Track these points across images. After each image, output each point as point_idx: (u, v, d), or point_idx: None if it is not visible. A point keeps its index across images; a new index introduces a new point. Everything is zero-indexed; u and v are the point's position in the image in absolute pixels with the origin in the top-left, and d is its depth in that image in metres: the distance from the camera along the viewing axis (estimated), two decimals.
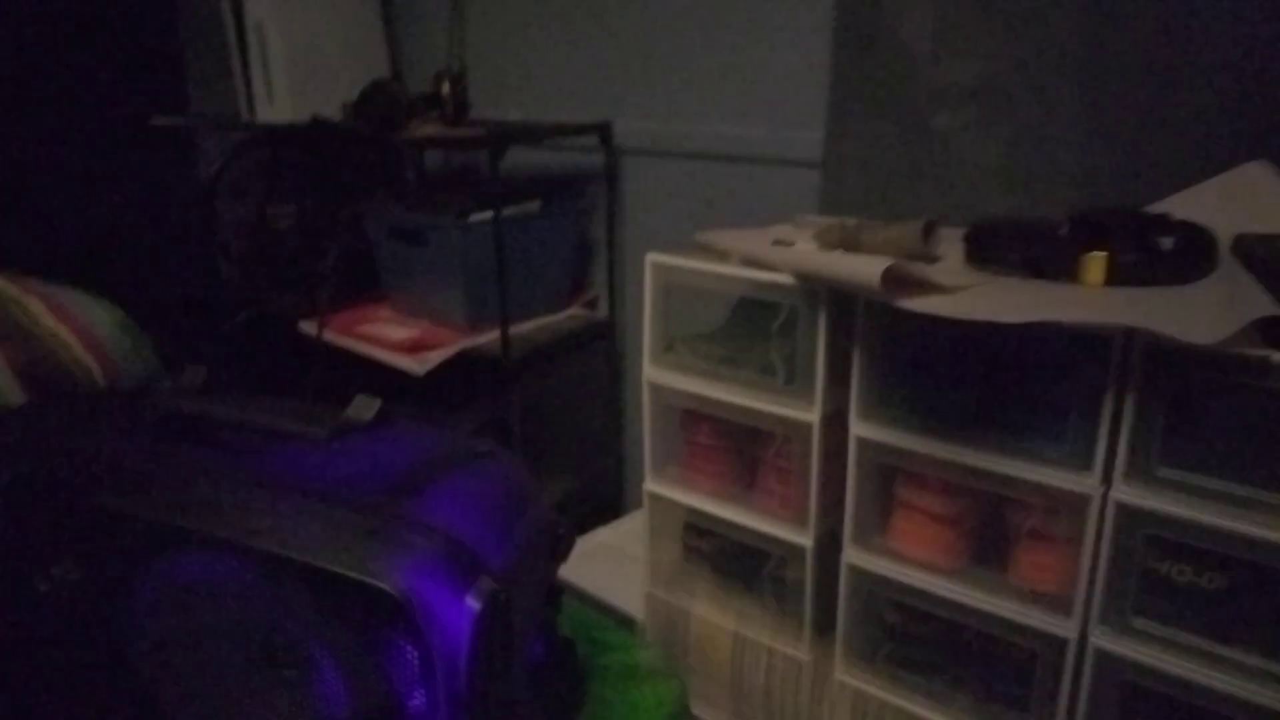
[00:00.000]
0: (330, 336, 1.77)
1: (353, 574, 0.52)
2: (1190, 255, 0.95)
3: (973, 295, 0.92)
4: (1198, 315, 0.81)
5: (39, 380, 1.05)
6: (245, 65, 1.80)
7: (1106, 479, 0.89)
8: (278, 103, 1.78)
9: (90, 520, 0.58)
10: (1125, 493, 0.88)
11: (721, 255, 1.17)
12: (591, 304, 1.94)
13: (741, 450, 1.23)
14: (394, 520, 0.55)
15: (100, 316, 1.16)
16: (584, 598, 1.38)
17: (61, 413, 0.68)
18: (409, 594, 0.51)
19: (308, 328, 1.81)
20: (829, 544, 1.13)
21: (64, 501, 0.59)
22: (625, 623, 1.35)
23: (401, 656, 0.53)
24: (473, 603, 0.53)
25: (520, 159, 1.95)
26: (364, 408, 0.66)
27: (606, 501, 1.96)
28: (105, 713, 0.61)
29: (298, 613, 0.55)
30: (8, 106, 2.16)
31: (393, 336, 1.74)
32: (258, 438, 0.64)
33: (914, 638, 1.08)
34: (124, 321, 1.19)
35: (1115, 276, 0.94)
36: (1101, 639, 0.92)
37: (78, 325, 1.12)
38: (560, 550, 0.67)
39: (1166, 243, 0.98)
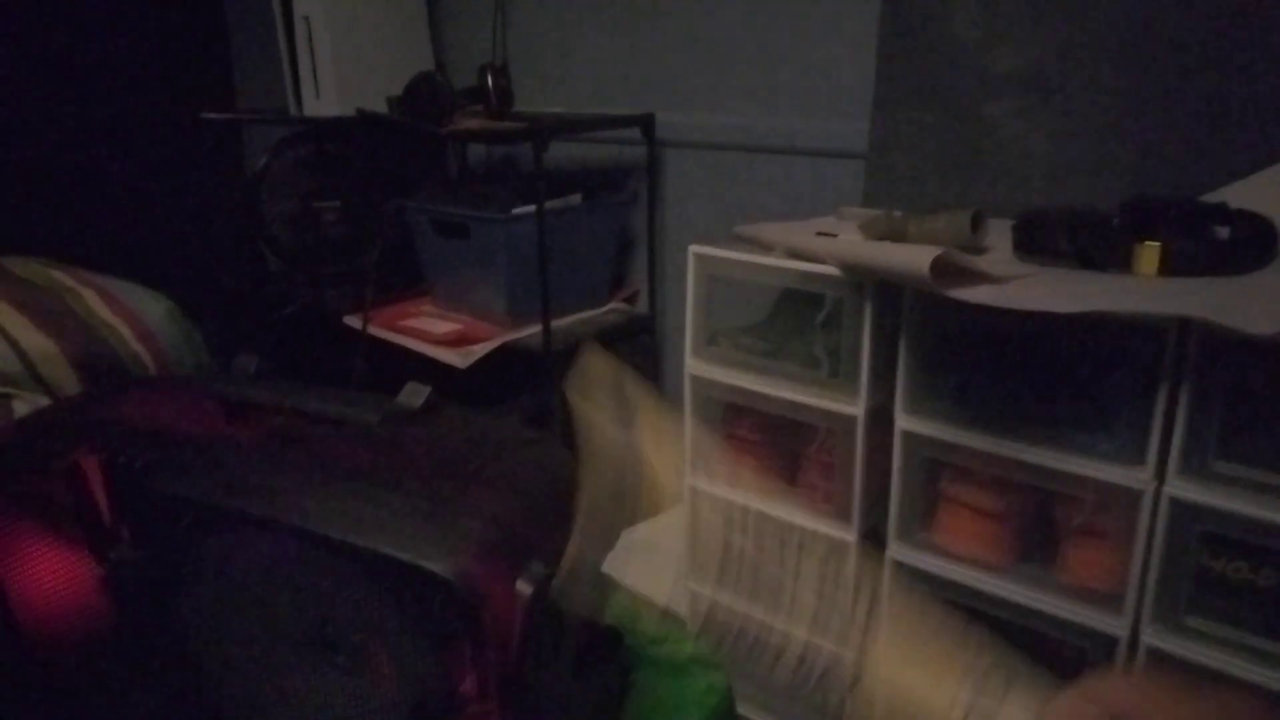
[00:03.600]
0: (375, 330, 1.79)
1: (405, 557, 0.52)
2: (1248, 245, 0.93)
3: (1023, 285, 0.91)
4: (1256, 305, 0.79)
5: (94, 370, 1.07)
6: (293, 60, 1.83)
7: (1160, 474, 0.87)
8: (324, 97, 1.80)
9: (148, 503, 0.59)
10: (1179, 488, 0.86)
11: (764, 247, 1.16)
12: (632, 299, 1.94)
13: (784, 444, 1.22)
14: (446, 504, 0.55)
15: (152, 307, 1.19)
16: (624, 593, 1.38)
17: (118, 398, 0.69)
18: (461, 577, 0.52)
19: (353, 322, 1.83)
20: (872, 539, 1.12)
21: (122, 485, 0.60)
22: (667, 617, 1.35)
23: (453, 640, 0.54)
24: (524, 587, 0.54)
25: (562, 152, 1.96)
26: (414, 394, 0.66)
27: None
28: (159, 693, 0.63)
29: (350, 595, 0.55)
30: (60, 103, 2.21)
31: (436, 330, 1.75)
32: (310, 423, 0.65)
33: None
34: (175, 312, 1.22)
35: (1169, 266, 0.92)
36: (1154, 637, 0.90)
37: (131, 316, 1.15)
38: (608, 538, 0.67)
39: (1222, 232, 0.96)
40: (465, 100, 1.74)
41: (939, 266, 0.89)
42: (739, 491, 1.23)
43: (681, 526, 1.33)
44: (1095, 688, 0.38)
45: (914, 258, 0.90)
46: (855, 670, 0.44)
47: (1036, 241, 1.02)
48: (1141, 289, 0.89)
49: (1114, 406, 0.91)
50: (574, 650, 0.62)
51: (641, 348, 1.90)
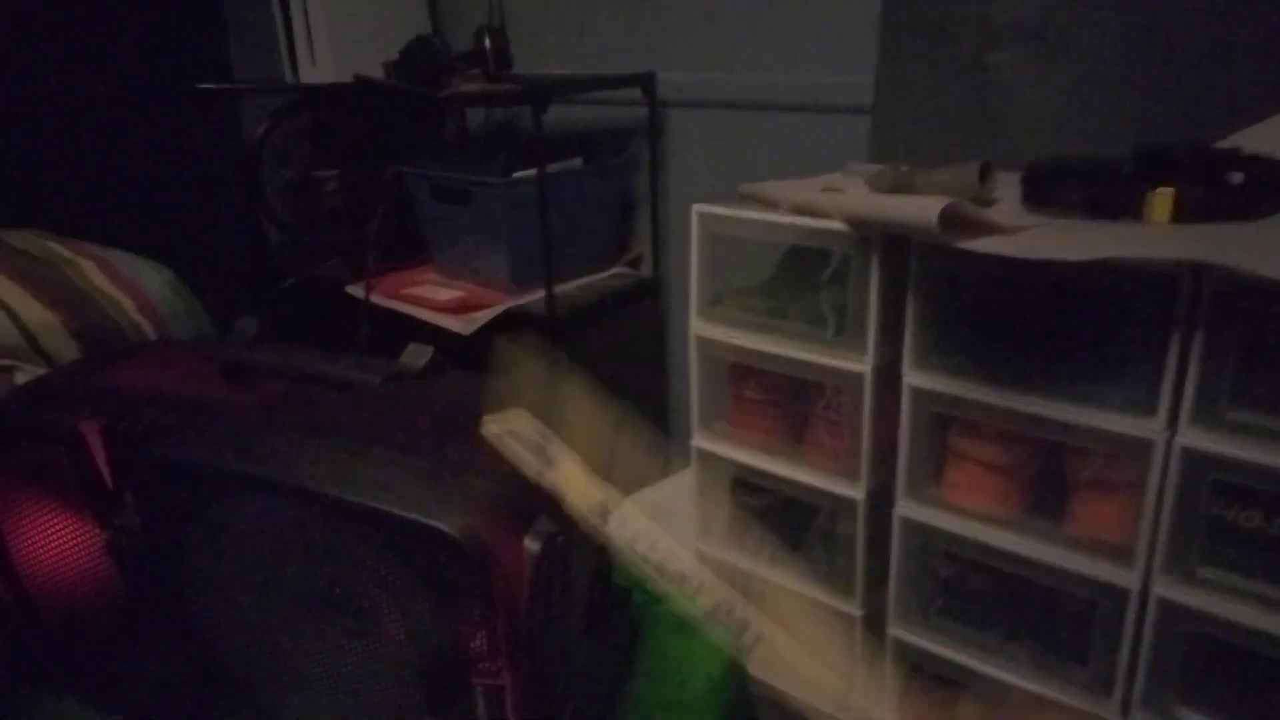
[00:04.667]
0: (377, 299, 1.78)
1: (412, 516, 0.52)
2: (1261, 190, 0.91)
3: (1033, 235, 0.89)
4: (1271, 250, 0.78)
5: (94, 341, 1.07)
6: (288, 27, 1.80)
7: (1171, 423, 0.86)
8: (320, 63, 1.78)
9: (151, 468, 0.58)
10: (1191, 437, 0.85)
11: (769, 205, 1.15)
12: (635, 262, 1.93)
13: (790, 404, 1.21)
14: (451, 463, 0.54)
15: (152, 278, 1.18)
16: None
17: (118, 364, 0.68)
18: (468, 536, 0.51)
19: (355, 290, 1.82)
20: (880, 497, 1.11)
21: (123, 450, 0.59)
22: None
23: (461, 599, 0.53)
24: (531, 544, 0.53)
25: (562, 114, 1.93)
26: (417, 355, 0.65)
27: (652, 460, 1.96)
28: (166, 658, 0.62)
29: (356, 556, 0.55)
30: (56, 75, 2.19)
31: (438, 298, 1.74)
32: (312, 386, 0.64)
33: (969, 591, 1.07)
34: (174, 283, 1.21)
35: (1182, 213, 0.91)
36: (1165, 589, 0.89)
37: (130, 287, 1.14)
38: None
39: (1236, 177, 0.94)
40: (463, 63, 1.72)
41: (947, 217, 0.87)
42: (746, 452, 1.22)
43: (687, 489, 1.33)
44: None
45: (921, 209, 0.89)
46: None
47: (1046, 192, 1.01)
48: (1155, 236, 0.88)
49: (1125, 357, 0.90)
50: (583, 608, 0.61)
51: (646, 311, 1.88)
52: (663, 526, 1.42)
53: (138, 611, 0.61)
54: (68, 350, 1.02)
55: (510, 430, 0.56)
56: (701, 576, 0.47)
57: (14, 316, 0.98)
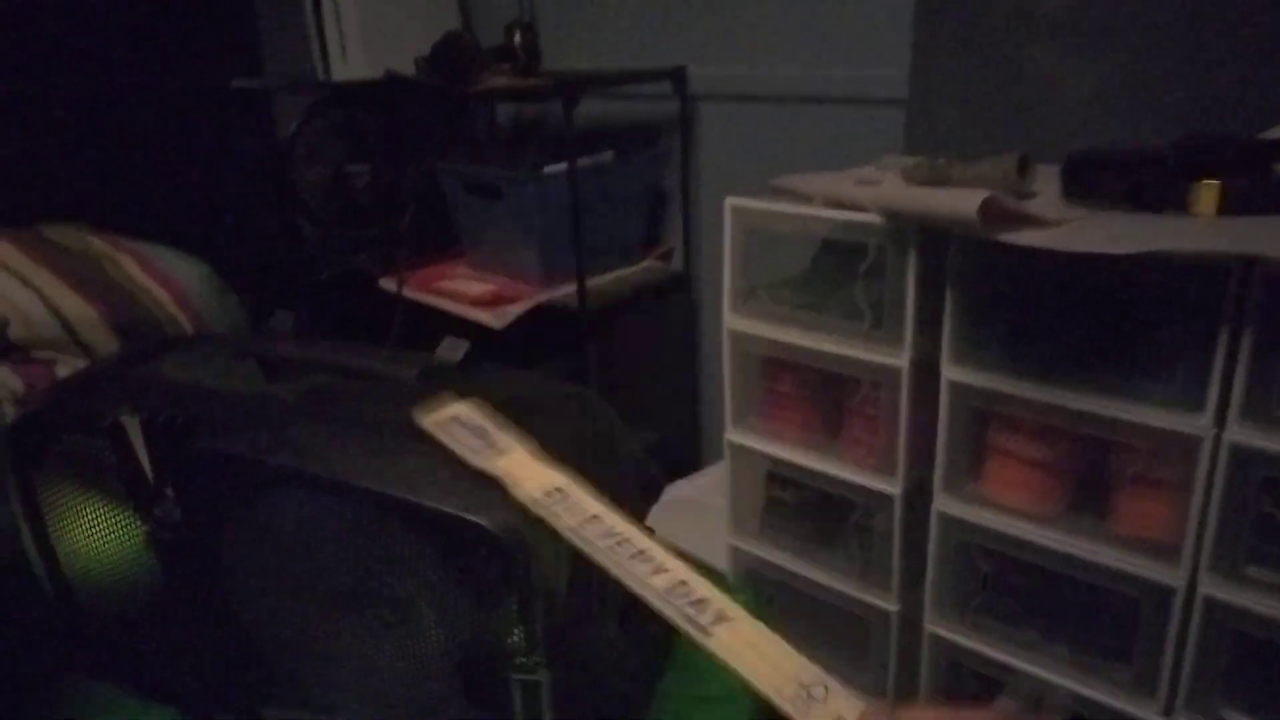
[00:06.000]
0: (409, 293, 1.78)
1: (449, 510, 0.51)
2: None
3: (1076, 228, 0.88)
4: None
5: (133, 334, 1.08)
6: (319, 23, 1.81)
7: (1220, 420, 0.85)
8: (351, 59, 1.79)
9: (191, 461, 0.59)
10: (1240, 434, 0.83)
11: (802, 198, 1.14)
12: (666, 256, 1.92)
13: (825, 398, 1.20)
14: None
15: (188, 272, 1.19)
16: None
17: (158, 357, 0.69)
18: (506, 530, 0.51)
19: (388, 285, 1.82)
20: (918, 493, 1.10)
21: (163, 443, 0.59)
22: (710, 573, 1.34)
23: (498, 594, 0.53)
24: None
25: (593, 109, 1.93)
26: (453, 349, 0.65)
27: (683, 455, 1.96)
28: (205, 649, 0.63)
29: (394, 549, 0.55)
30: (90, 73, 2.22)
31: (471, 291, 1.75)
32: (349, 380, 0.64)
33: (1008, 587, 1.05)
34: (211, 277, 1.22)
35: (1228, 206, 0.89)
36: (1211, 587, 0.88)
37: (167, 281, 1.15)
38: (650, 491, 0.66)
39: None
40: (493, 58, 1.72)
41: (988, 209, 0.86)
42: (780, 446, 1.21)
43: (722, 482, 1.32)
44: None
45: (961, 201, 0.87)
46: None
47: (1086, 184, 0.99)
48: (1201, 229, 0.86)
49: (1171, 352, 0.88)
50: (619, 602, 0.61)
51: (677, 305, 1.88)
52: (695, 520, 1.41)
53: (177, 602, 0.62)
54: (107, 343, 1.03)
55: (453, 417, 0.54)
56: (660, 556, 0.45)
57: (55, 309, 0.99)
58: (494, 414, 0.55)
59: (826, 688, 0.39)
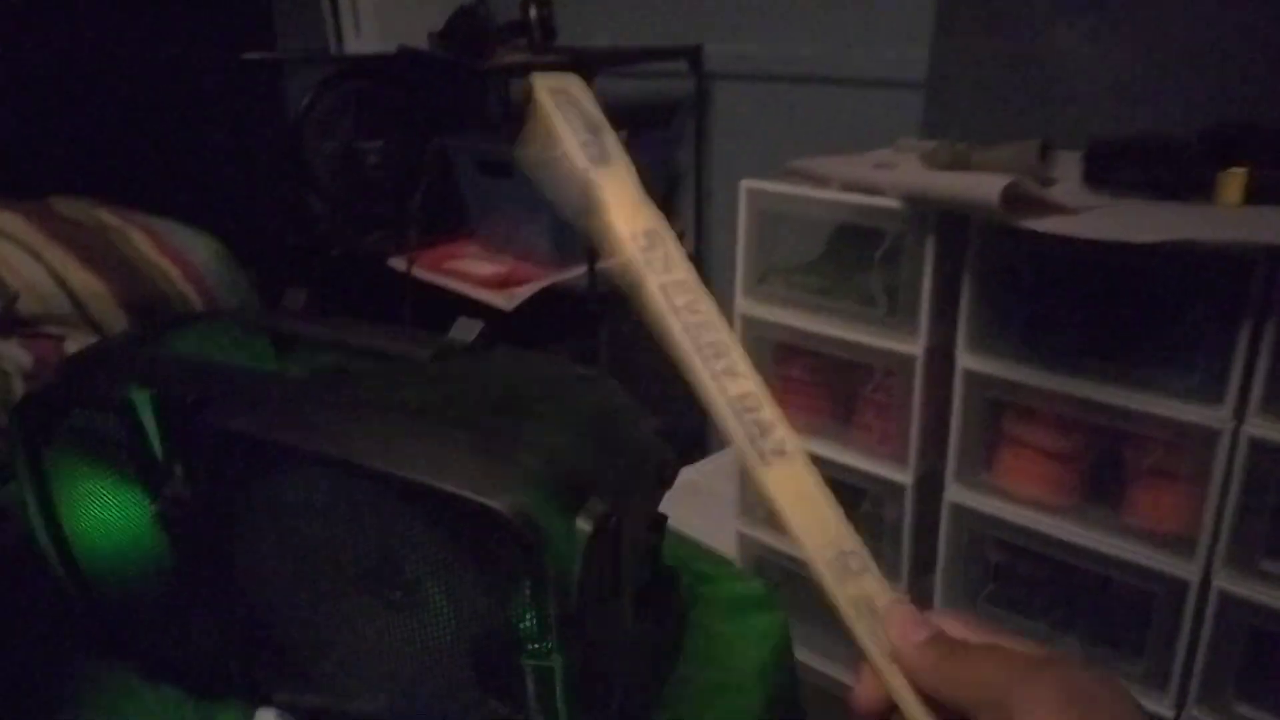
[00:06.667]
0: (419, 273, 1.77)
1: (463, 493, 0.50)
2: None
3: (1099, 216, 0.86)
4: None
5: (142, 310, 1.07)
6: None
7: (1239, 412, 0.83)
8: (365, 33, 1.77)
9: (201, 438, 0.58)
10: (1260, 426, 0.82)
11: (819, 182, 1.12)
12: (678, 238, 1.90)
13: (838, 385, 1.19)
14: (502, 440, 0.53)
15: (199, 248, 1.18)
16: (674, 535, 1.36)
17: (170, 333, 0.68)
18: (519, 514, 0.50)
19: (397, 264, 1.81)
20: (930, 482, 1.09)
21: (173, 420, 0.59)
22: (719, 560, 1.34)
23: (511, 578, 0.52)
24: (583, 524, 0.52)
25: (607, 87, 1.91)
26: (466, 330, 0.64)
27: (691, 440, 1.95)
28: (215, 629, 0.62)
29: (406, 532, 0.54)
30: (100, 45, 2.20)
31: (481, 272, 1.73)
32: (361, 359, 0.63)
33: (1019, 578, 1.05)
34: (221, 253, 1.21)
35: (1255, 195, 0.87)
36: (1227, 581, 0.87)
37: (178, 256, 1.14)
38: (665, 476, 0.65)
39: None
40: (507, 34, 1.70)
41: (1010, 195, 0.85)
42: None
43: (730, 469, 1.31)
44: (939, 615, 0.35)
45: (983, 186, 0.86)
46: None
47: (1109, 171, 0.97)
48: (1226, 218, 0.85)
49: (1191, 343, 0.87)
50: (633, 589, 0.60)
51: None
52: (703, 507, 1.40)
53: (186, 582, 0.61)
54: (116, 319, 1.02)
55: (568, 93, 0.43)
56: (737, 356, 0.38)
57: (64, 284, 0.99)
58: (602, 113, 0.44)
59: (866, 563, 0.36)
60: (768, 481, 0.36)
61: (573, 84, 0.43)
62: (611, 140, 0.43)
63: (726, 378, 0.37)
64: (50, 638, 0.67)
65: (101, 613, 0.65)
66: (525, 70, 1.94)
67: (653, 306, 0.39)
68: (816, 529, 0.36)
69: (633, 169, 0.42)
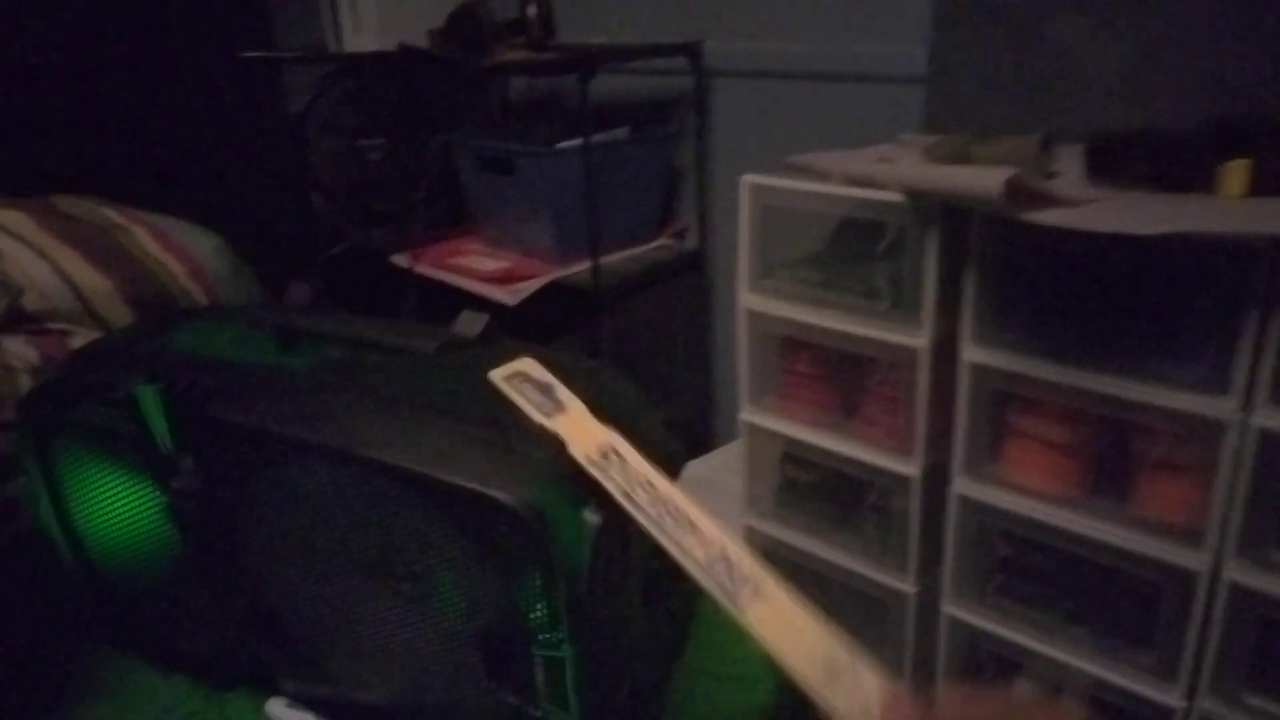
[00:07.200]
0: (422, 268, 1.77)
1: (471, 485, 0.51)
2: None
3: (1101, 208, 0.86)
4: None
5: (147, 306, 1.07)
6: None
7: (1247, 403, 0.83)
8: (364, 31, 1.77)
9: (209, 431, 0.58)
10: (1268, 417, 0.82)
11: (820, 177, 1.12)
12: (680, 234, 1.90)
13: (843, 378, 1.19)
14: (509, 432, 0.53)
15: (202, 244, 1.18)
16: None
17: (173, 327, 0.68)
18: (527, 506, 0.50)
19: (400, 260, 1.81)
20: (936, 474, 1.09)
21: (181, 414, 0.59)
22: None
23: (520, 570, 0.52)
24: (591, 516, 0.52)
25: (607, 85, 1.91)
26: (472, 323, 0.64)
27: (696, 434, 1.95)
28: (224, 620, 0.62)
29: (414, 524, 0.54)
30: (102, 43, 2.20)
31: (484, 268, 1.74)
32: (367, 353, 0.63)
33: (1027, 570, 1.05)
34: (224, 249, 1.21)
35: (1258, 186, 0.87)
36: (1236, 572, 0.87)
37: (181, 252, 1.14)
38: (672, 468, 0.65)
39: None
40: (507, 32, 1.70)
41: (1011, 188, 0.85)
42: (796, 426, 1.20)
43: (736, 462, 1.31)
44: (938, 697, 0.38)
45: (985, 179, 0.86)
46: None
47: (1112, 164, 0.97)
48: (1230, 210, 0.85)
49: (1197, 334, 0.87)
50: (640, 580, 0.60)
51: (691, 283, 1.86)
52: (709, 500, 1.41)
53: (195, 573, 0.61)
54: (121, 315, 1.02)
55: (519, 373, 0.54)
56: (706, 526, 0.44)
57: (69, 280, 0.99)
58: (551, 374, 0.55)
59: (856, 671, 0.38)
60: (750, 624, 0.41)
61: (522, 364, 0.55)
62: (562, 393, 0.53)
63: (699, 547, 0.43)
64: (61, 628, 0.68)
65: (112, 603, 0.65)
66: (526, 68, 1.94)
67: (618, 501, 0.47)
68: (802, 651, 0.39)
69: (582, 406, 0.52)
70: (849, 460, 1.14)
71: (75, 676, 0.64)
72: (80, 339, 0.97)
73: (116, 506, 0.61)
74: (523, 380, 0.54)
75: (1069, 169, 1.02)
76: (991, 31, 1.28)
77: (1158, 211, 0.85)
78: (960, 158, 1.06)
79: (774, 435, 1.23)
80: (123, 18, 2.23)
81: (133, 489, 0.60)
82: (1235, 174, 0.88)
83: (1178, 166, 0.93)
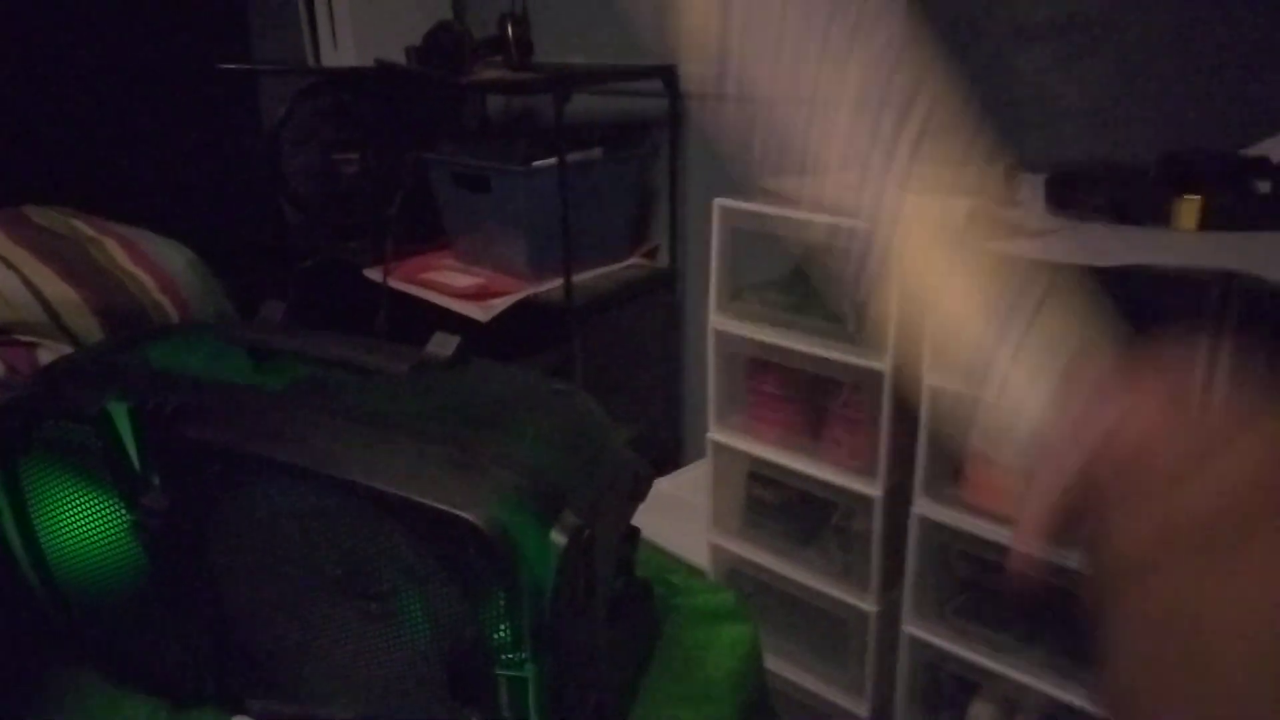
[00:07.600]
0: (395, 283, 1.78)
1: (438, 505, 0.52)
2: None
3: (1059, 239, 0.89)
4: None
5: (117, 319, 1.07)
6: (310, 9, 1.80)
7: None
8: (341, 47, 1.78)
9: (178, 450, 0.59)
10: None
11: (791, 200, 1.14)
12: (652, 254, 1.92)
13: (808, 399, 1.21)
14: (478, 453, 0.54)
15: (173, 258, 1.18)
16: (647, 546, 1.38)
17: (147, 344, 0.69)
18: (494, 527, 0.51)
19: (373, 275, 1.82)
20: (898, 495, 1.11)
21: (152, 431, 0.59)
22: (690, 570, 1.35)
23: (486, 590, 0.53)
24: (557, 537, 0.53)
25: (583, 104, 1.92)
26: (443, 344, 0.65)
27: (665, 452, 1.96)
28: (190, 639, 0.63)
29: (382, 544, 0.55)
30: (77, 55, 2.19)
31: (457, 284, 1.74)
32: (338, 372, 0.64)
33: (987, 590, 1.07)
34: (196, 263, 1.21)
35: (1210, 221, 0.90)
36: None
37: (152, 266, 1.14)
38: (639, 490, 0.66)
39: (1264, 186, 0.94)
40: (485, 50, 1.71)
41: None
42: (762, 446, 1.22)
43: (703, 480, 1.33)
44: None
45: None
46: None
47: (1070, 196, 1.00)
48: (1181, 244, 0.88)
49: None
50: (606, 600, 0.61)
51: (662, 302, 1.88)
52: (676, 518, 1.41)
53: (162, 591, 0.62)
54: (91, 329, 1.02)
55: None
56: None
57: (38, 293, 0.98)
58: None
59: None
60: None
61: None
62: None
63: None
64: (25, 646, 0.67)
65: (77, 621, 0.65)
66: (503, 87, 1.95)
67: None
68: None
69: None
70: (813, 480, 1.16)
71: (36, 694, 0.64)
72: (48, 351, 0.97)
73: (82, 523, 0.61)
74: None
75: (1030, 199, 1.05)
76: (958, 62, 1.31)
77: (1114, 244, 0.88)
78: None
79: (740, 454, 1.25)
80: (98, 26, 2.22)
81: (99, 506, 0.60)
82: (1188, 209, 0.91)
83: (1134, 200, 0.95)
